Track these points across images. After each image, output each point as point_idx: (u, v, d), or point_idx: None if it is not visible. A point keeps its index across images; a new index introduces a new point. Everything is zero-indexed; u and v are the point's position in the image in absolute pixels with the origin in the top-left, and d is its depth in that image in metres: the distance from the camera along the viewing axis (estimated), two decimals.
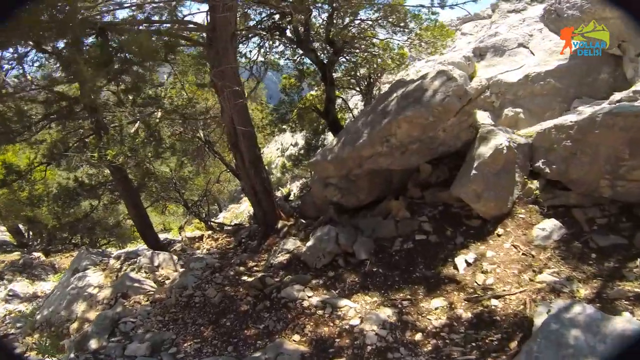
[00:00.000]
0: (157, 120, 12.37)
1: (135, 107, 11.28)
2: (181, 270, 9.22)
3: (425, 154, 7.51)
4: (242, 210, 20.91)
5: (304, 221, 9.98)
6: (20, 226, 18.28)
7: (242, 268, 8.32)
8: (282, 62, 13.53)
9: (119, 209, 16.18)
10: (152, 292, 7.88)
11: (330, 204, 8.92)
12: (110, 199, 13.91)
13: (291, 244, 8.06)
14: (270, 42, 11.85)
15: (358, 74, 13.10)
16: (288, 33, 11.48)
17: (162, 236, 16.92)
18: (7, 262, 14.71)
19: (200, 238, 13.15)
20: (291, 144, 24.32)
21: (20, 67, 10.14)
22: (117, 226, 15.76)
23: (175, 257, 9.76)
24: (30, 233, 18.26)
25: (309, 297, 6.34)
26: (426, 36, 11.23)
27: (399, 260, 6.71)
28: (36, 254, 15.71)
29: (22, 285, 12.83)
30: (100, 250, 11.99)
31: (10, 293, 12.26)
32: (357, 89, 13.64)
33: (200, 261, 8.84)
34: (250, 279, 7.45)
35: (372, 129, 7.63)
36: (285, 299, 6.39)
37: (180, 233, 14.84)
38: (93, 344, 6.33)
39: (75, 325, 7.67)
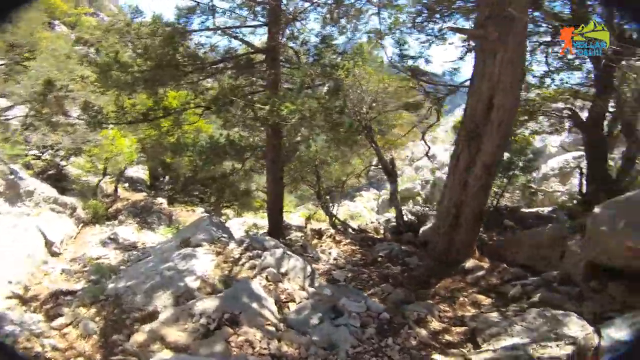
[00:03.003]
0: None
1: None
2: (310, 290, 5.62)
3: None
4: (358, 211, 17.20)
5: (509, 268, 5.88)
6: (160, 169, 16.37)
7: (423, 331, 4.45)
8: None
9: (255, 178, 13.22)
10: (272, 329, 4.21)
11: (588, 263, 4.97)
12: (252, 165, 10.77)
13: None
14: None
15: None
16: None
17: None
18: (129, 202, 12.54)
19: (318, 233, 9.87)
20: None
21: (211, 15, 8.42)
22: (246, 194, 12.63)
23: (309, 268, 6.11)
24: (167, 177, 16.22)
25: None
26: None
27: None
28: (160, 200, 13.48)
29: (126, 231, 10.38)
30: (221, 220, 8.85)
31: (112, 236, 9.82)
32: None
33: (357, 300, 4.98)
34: None
35: None
36: None
37: (306, 224, 11.32)
38: None
39: (139, 338, 4.21)
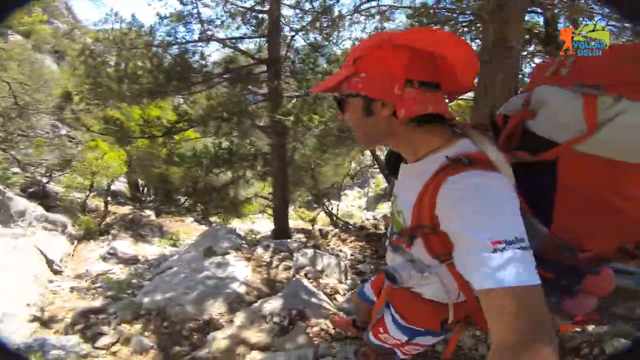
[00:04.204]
0: None
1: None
2: (349, 282, 5.99)
3: None
4: (348, 210, 17.48)
5: None
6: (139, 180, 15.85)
7: None
8: None
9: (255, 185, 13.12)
10: (335, 317, 4.49)
11: None
12: (253, 173, 10.74)
13: None
14: None
15: None
16: None
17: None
18: (117, 215, 12.19)
19: (322, 233, 10.19)
20: None
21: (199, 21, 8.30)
22: (244, 202, 12.55)
23: (342, 264, 6.41)
24: (146, 189, 15.76)
25: None
26: None
27: None
28: (148, 212, 13.16)
29: (123, 244, 10.11)
30: (232, 228, 8.87)
31: (110, 251, 9.56)
32: None
33: None
34: None
35: None
36: None
37: (312, 226, 11.52)
38: None
39: (221, 344, 4.29)
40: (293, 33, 8.89)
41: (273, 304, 4.61)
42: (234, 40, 8.64)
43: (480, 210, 0.94)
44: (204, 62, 8.26)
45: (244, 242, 7.37)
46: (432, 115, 1.12)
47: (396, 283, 1.22)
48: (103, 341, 4.99)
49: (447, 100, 1.23)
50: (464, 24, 8.39)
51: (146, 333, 5.12)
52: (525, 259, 0.89)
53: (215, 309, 5.18)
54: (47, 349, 4.68)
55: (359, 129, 1.23)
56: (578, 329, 3.48)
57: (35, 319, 6.00)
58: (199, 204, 13.21)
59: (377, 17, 9.33)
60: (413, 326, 1.47)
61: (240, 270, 5.97)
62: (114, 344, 4.97)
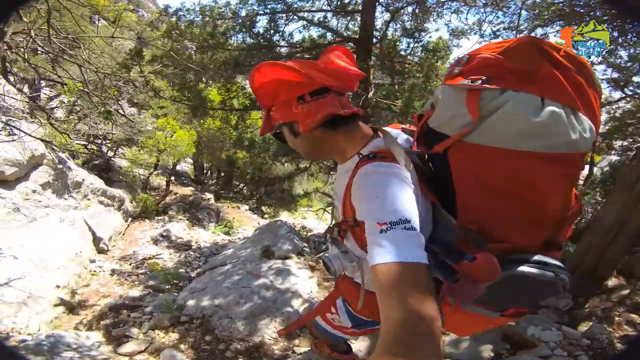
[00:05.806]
0: None
1: None
2: None
3: None
4: None
5: None
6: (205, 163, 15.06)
7: None
8: None
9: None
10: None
11: None
12: (320, 167, 9.39)
13: None
14: None
15: None
16: None
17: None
18: (178, 196, 11.33)
19: None
20: None
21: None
22: (304, 196, 11.26)
23: None
24: (210, 172, 14.93)
25: None
26: None
27: None
28: (208, 195, 12.25)
29: (178, 227, 9.12)
30: (290, 225, 7.52)
31: (164, 233, 8.58)
32: None
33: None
34: None
35: None
36: None
37: None
38: None
39: None
40: (388, 15, 7.45)
41: (356, 345, 3.16)
42: (322, 15, 7.40)
43: (370, 195, 0.99)
44: (288, 37, 7.20)
45: (305, 245, 6.00)
46: (337, 117, 1.16)
47: (330, 271, 1.22)
48: (128, 347, 3.85)
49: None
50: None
51: (182, 346, 3.92)
52: (409, 238, 0.89)
53: (271, 330, 3.89)
54: (59, 349, 3.55)
55: (297, 149, 1.30)
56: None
57: (62, 302, 5.03)
58: (256, 193, 12.04)
59: (487, 8, 7.72)
60: (359, 315, 1.43)
61: (304, 283, 4.61)
62: (140, 352, 3.80)
